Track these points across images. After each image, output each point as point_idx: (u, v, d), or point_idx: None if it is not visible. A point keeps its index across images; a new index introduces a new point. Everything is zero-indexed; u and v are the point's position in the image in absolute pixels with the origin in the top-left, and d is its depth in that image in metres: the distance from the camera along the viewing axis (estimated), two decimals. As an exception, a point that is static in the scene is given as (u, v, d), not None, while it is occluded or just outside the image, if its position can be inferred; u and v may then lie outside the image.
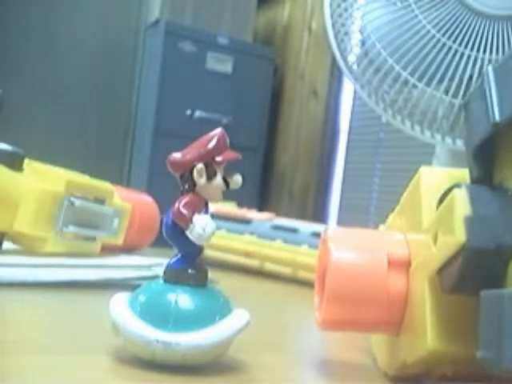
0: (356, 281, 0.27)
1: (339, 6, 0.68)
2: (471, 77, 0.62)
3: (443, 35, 0.63)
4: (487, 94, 0.23)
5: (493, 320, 0.20)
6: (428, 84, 0.63)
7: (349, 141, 2.05)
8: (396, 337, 0.28)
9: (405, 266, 0.27)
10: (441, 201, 0.25)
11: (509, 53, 0.24)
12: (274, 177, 2.21)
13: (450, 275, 0.23)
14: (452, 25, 0.63)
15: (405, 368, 0.26)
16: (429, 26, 0.63)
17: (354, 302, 0.27)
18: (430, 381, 0.27)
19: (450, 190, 0.24)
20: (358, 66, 0.69)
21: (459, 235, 0.22)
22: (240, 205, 0.73)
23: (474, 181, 0.25)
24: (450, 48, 0.62)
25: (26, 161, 0.49)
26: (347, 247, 0.28)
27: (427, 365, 0.25)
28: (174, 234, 0.26)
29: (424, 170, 0.28)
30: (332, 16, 0.69)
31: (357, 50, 0.69)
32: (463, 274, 0.22)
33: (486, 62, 0.61)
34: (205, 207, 0.26)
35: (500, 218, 0.22)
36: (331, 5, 0.69)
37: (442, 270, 0.23)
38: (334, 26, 0.69)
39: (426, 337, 0.24)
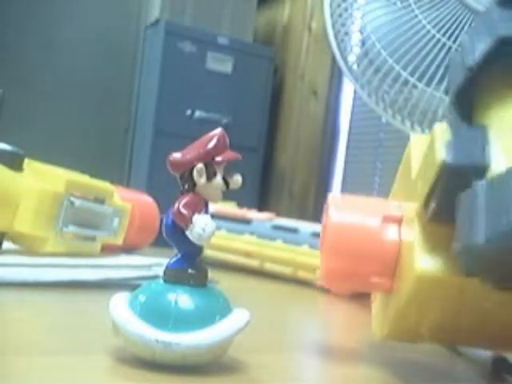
0: (352, 235, 0.29)
1: (339, 5, 0.68)
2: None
3: (443, 35, 0.63)
4: (463, 47, 0.27)
5: (467, 211, 0.22)
6: (428, 84, 0.63)
7: (349, 141, 2.05)
8: (388, 296, 0.29)
9: (397, 222, 0.30)
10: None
11: (491, 1, 0.27)
12: (274, 177, 2.20)
13: (432, 204, 0.25)
14: (452, 25, 0.63)
15: (395, 320, 0.28)
16: (429, 26, 0.63)
17: (350, 254, 0.29)
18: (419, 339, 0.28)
19: None
20: (358, 66, 0.69)
21: (440, 155, 0.24)
22: (240, 205, 0.73)
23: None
24: (450, 48, 0.62)
25: (26, 161, 0.49)
26: (345, 208, 0.30)
27: (417, 302, 0.26)
28: (173, 234, 0.26)
29: (413, 137, 0.31)
30: (332, 16, 0.69)
31: (357, 50, 0.69)
32: (445, 195, 0.24)
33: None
34: (205, 207, 0.26)
35: (476, 143, 0.24)
36: (331, 5, 0.69)
37: (426, 202, 0.26)
38: (334, 26, 0.69)
39: (414, 263, 0.26)
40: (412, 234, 0.27)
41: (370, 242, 0.29)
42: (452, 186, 0.24)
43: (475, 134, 0.25)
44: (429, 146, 0.26)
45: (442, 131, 0.26)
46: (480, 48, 0.26)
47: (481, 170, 0.23)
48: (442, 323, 0.27)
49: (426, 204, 0.26)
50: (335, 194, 0.32)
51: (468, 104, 0.28)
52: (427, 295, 0.26)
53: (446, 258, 0.25)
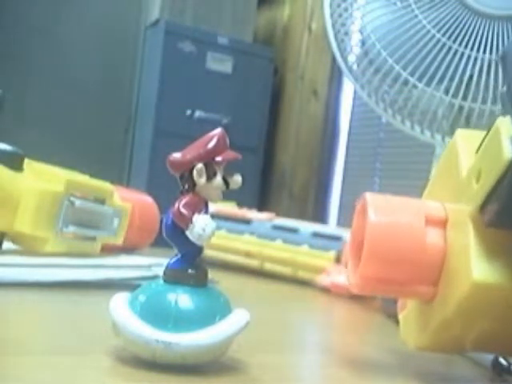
0: (393, 239, 0.27)
1: (339, 5, 0.68)
2: (471, 77, 0.62)
3: (443, 35, 0.63)
4: None
5: None
6: (428, 84, 0.63)
7: (349, 141, 2.05)
8: (429, 305, 0.27)
9: (442, 225, 0.27)
10: (479, 148, 0.25)
11: None
12: (273, 177, 2.20)
13: (493, 206, 0.23)
14: (452, 25, 0.63)
15: (439, 330, 0.26)
16: (429, 26, 0.63)
17: (391, 259, 0.27)
18: (463, 349, 0.27)
19: (486, 135, 0.25)
20: (358, 66, 0.69)
21: (507, 152, 0.22)
22: (240, 205, 0.73)
23: None
24: (450, 48, 0.62)
25: (26, 161, 0.49)
26: (385, 209, 0.28)
27: (467, 311, 0.25)
28: (174, 234, 0.26)
29: (460, 133, 0.29)
30: (332, 16, 0.69)
31: (357, 50, 0.69)
32: (510, 196, 0.22)
33: (485, 62, 0.61)
34: (205, 207, 0.26)
35: None
36: (331, 5, 0.69)
37: (485, 204, 0.24)
38: (334, 26, 0.69)
39: (470, 270, 0.24)
40: (464, 239, 0.25)
41: (413, 245, 0.26)
42: None
43: None
44: (489, 142, 0.24)
45: (506, 126, 0.23)
46: None
47: None
48: (488, 333, 0.26)
49: (483, 207, 0.24)
50: (372, 194, 0.29)
51: None
52: (480, 304, 0.24)
53: (503, 265, 0.24)
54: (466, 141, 0.28)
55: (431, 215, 0.27)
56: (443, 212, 0.27)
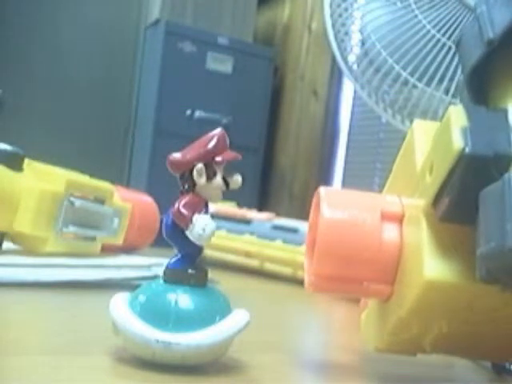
0: (347, 235, 0.25)
1: (339, 5, 0.68)
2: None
3: (443, 35, 0.63)
4: (481, 19, 0.23)
5: (494, 209, 0.19)
6: (428, 84, 0.63)
7: (349, 141, 2.05)
8: (386, 303, 0.26)
9: (398, 221, 0.26)
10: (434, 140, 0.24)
11: None
12: (274, 177, 2.20)
13: (445, 199, 0.22)
14: (452, 25, 0.63)
15: (396, 331, 0.25)
16: (429, 26, 0.63)
17: (345, 257, 0.25)
18: (421, 350, 0.25)
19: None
20: (358, 66, 0.69)
21: (457, 143, 0.21)
22: (240, 205, 0.73)
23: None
24: (450, 48, 0.62)
25: (26, 161, 0.49)
26: (339, 204, 0.26)
27: (423, 311, 0.23)
28: (174, 234, 0.26)
29: (417, 123, 0.27)
30: (332, 16, 0.69)
31: (357, 50, 0.69)
32: (461, 190, 0.21)
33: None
34: (205, 207, 0.26)
35: (496, 130, 0.21)
36: (331, 5, 0.69)
37: (437, 197, 0.23)
38: (334, 25, 0.69)
39: (422, 268, 0.22)
40: (417, 235, 0.24)
41: (367, 242, 0.25)
42: (471, 180, 0.21)
43: (496, 119, 0.22)
44: (441, 133, 0.23)
45: (457, 116, 0.22)
46: (502, 18, 0.23)
47: (505, 161, 0.20)
48: (447, 334, 0.24)
49: (436, 200, 0.23)
50: (326, 188, 0.27)
51: (484, 84, 0.24)
52: (434, 303, 0.23)
53: (457, 261, 0.22)
54: (422, 132, 0.27)
55: (387, 210, 0.26)
56: (400, 207, 0.26)
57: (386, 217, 0.26)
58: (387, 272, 0.25)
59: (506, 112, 0.22)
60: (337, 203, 0.26)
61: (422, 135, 0.26)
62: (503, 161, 0.20)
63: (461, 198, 0.21)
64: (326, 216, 0.25)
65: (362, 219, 0.25)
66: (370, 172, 1.93)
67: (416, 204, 0.25)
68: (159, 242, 0.60)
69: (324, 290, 0.27)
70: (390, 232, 0.26)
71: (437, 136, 0.23)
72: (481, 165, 0.21)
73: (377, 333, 0.27)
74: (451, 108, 0.22)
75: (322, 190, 0.27)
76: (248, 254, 0.65)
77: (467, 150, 0.21)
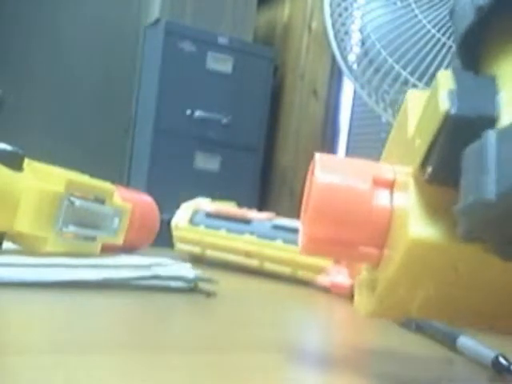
0: (339, 199, 0.26)
1: (339, 5, 0.68)
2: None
3: (443, 35, 0.63)
4: None
5: (473, 165, 0.19)
6: (428, 84, 0.63)
7: (349, 141, 2.05)
8: (376, 269, 0.27)
9: (389, 186, 0.26)
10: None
11: None
12: (274, 176, 2.21)
13: (432, 161, 0.23)
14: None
15: (384, 293, 0.25)
16: (429, 26, 0.63)
17: (336, 220, 0.26)
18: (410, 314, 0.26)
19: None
20: (358, 65, 0.69)
21: (442, 105, 0.21)
22: (240, 205, 0.73)
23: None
24: (450, 47, 0.62)
25: (26, 161, 0.49)
26: (333, 169, 0.27)
27: (409, 272, 0.24)
28: None
29: (410, 93, 0.28)
30: (332, 15, 0.69)
31: (357, 50, 0.69)
32: (446, 151, 0.22)
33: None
34: None
35: (483, 93, 0.22)
36: (331, 4, 0.69)
37: (425, 160, 0.23)
38: (333, 25, 0.69)
39: (408, 228, 0.23)
40: (406, 198, 0.24)
41: (359, 206, 0.26)
42: (455, 141, 0.21)
43: (483, 83, 0.22)
44: (430, 97, 0.23)
45: (445, 79, 0.22)
46: None
47: (489, 122, 0.21)
48: (434, 297, 0.25)
49: (423, 163, 0.23)
50: (322, 154, 0.28)
51: (475, 51, 0.25)
52: (420, 265, 0.23)
53: (443, 223, 0.23)
54: (415, 101, 0.27)
55: (379, 176, 0.27)
56: (392, 173, 0.27)
57: (377, 182, 0.26)
58: (378, 236, 0.26)
59: (493, 77, 0.23)
60: (330, 168, 0.27)
61: (415, 104, 0.27)
62: (487, 122, 0.21)
63: (446, 159, 0.22)
64: (319, 180, 0.26)
65: (354, 184, 0.26)
66: (370, 172, 1.93)
67: (407, 170, 0.25)
68: (159, 242, 0.60)
69: (316, 253, 0.28)
70: (381, 197, 0.26)
71: (426, 101, 0.24)
72: (465, 126, 0.21)
73: (366, 298, 0.28)
74: (440, 72, 0.23)
75: (317, 155, 0.28)
76: (248, 254, 0.65)
77: (452, 111, 0.21)
